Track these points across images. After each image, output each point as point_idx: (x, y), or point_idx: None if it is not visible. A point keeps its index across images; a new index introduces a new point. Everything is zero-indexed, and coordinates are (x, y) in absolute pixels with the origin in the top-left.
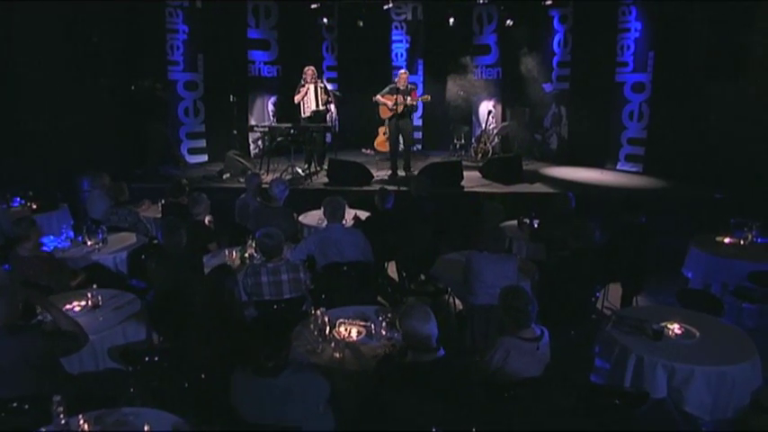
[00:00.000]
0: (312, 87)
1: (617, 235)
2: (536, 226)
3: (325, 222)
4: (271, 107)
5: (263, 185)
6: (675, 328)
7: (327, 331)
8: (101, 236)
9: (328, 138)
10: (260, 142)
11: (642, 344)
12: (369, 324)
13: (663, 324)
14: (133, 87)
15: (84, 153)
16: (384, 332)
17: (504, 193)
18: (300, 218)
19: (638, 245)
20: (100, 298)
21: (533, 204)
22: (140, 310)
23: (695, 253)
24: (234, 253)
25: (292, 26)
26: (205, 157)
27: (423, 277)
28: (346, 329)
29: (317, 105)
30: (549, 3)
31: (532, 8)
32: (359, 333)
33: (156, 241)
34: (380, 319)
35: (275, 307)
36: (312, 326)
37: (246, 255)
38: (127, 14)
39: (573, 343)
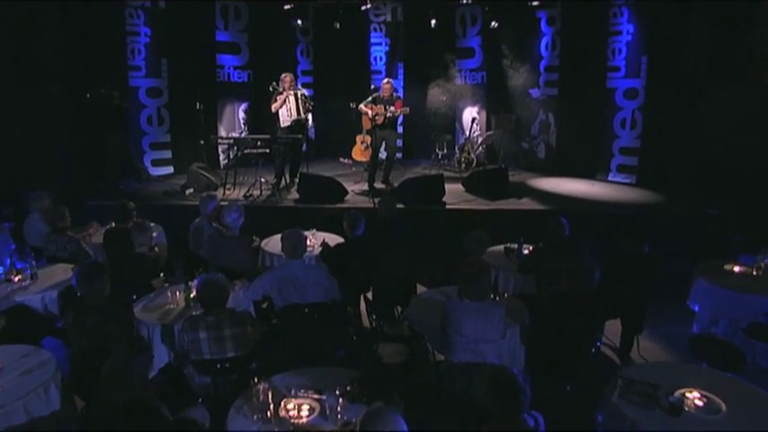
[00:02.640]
0: (292, 95)
1: (616, 266)
2: (525, 253)
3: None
4: (242, 115)
5: (222, 203)
6: (695, 398)
7: (271, 411)
8: (29, 271)
9: (303, 147)
10: (230, 152)
11: (657, 421)
12: (323, 398)
13: (680, 393)
14: (88, 95)
15: (34, 167)
16: (340, 411)
17: (488, 210)
18: (263, 243)
19: (640, 278)
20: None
21: (522, 225)
22: (54, 374)
23: (702, 284)
24: (177, 293)
25: (264, 28)
26: (171, 169)
27: (399, 309)
28: (294, 407)
29: (299, 113)
30: (535, 4)
31: (518, 9)
32: (310, 411)
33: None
34: (338, 392)
35: (218, 366)
36: (255, 400)
37: (192, 296)
38: (82, 15)
39: (569, 404)
